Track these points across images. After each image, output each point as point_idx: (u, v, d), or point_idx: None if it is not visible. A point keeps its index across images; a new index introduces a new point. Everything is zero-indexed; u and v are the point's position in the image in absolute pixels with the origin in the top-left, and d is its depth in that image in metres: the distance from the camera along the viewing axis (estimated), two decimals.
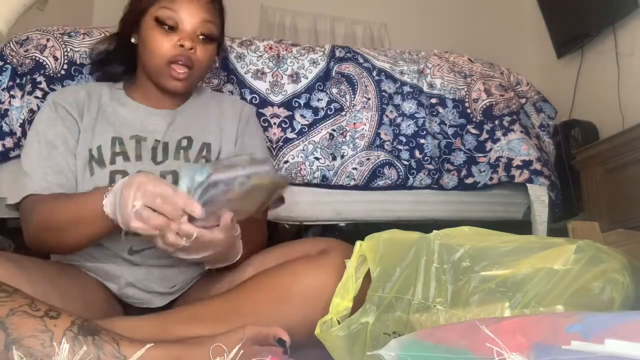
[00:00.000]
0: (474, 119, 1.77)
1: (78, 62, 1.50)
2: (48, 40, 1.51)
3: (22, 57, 1.48)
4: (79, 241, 1.07)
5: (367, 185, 1.67)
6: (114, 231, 1.01)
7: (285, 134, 1.63)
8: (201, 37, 1.21)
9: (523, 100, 1.88)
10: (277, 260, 1.09)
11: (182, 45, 1.18)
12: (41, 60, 1.48)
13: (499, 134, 1.76)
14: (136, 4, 1.25)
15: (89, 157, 1.17)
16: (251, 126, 1.37)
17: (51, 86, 1.47)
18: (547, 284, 0.80)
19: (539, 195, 1.71)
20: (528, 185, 1.72)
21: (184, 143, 1.24)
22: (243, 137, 1.32)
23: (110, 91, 1.29)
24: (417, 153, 1.71)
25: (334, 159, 1.65)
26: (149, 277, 1.14)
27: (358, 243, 1.00)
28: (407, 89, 1.76)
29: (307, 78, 1.69)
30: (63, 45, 1.51)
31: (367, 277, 0.96)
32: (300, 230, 1.78)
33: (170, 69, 1.20)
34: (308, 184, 1.64)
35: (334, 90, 1.69)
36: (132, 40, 1.25)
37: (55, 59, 1.49)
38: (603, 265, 0.81)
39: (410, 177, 1.70)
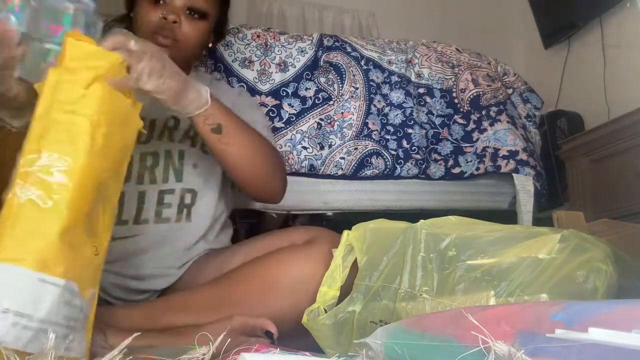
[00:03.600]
0: (461, 109, 1.77)
1: None
2: None
3: None
4: None
5: (354, 174, 1.68)
6: None
7: (272, 123, 1.63)
8: (188, 11, 1.19)
9: (510, 91, 1.89)
10: (264, 249, 1.09)
11: (165, 18, 1.16)
12: None
13: (485, 124, 1.76)
14: None
15: None
16: (245, 100, 1.35)
17: None
18: (532, 273, 0.81)
19: (525, 185, 1.72)
20: (514, 175, 1.73)
21: (171, 123, 1.23)
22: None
23: None
24: (404, 143, 1.71)
25: (322, 148, 1.65)
26: (114, 285, 1.12)
27: (345, 232, 1.00)
28: (395, 78, 1.76)
29: (295, 67, 1.68)
30: None
31: (354, 266, 0.96)
32: (287, 220, 1.78)
33: (154, 39, 1.17)
34: (296, 174, 1.64)
35: (322, 80, 1.69)
36: (131, 15, 1.25)
37: None
38: (587, 254, 0.82)
39: (397, 166, 1.70)
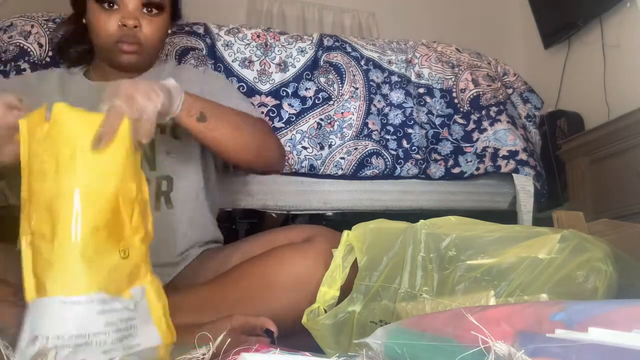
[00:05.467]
0: (461, 109, 1.77)
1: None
2: (32, 26, 1.49)
3: (5, 44, 1.46)
4: None
5: (354, 174, 1.68)
6: None
7: (272, 123, 1.63)
8: (145, 10, 1.17)
9: (510, 91, 1.89)
10: (263, 248, 1.09)
11: (124, 25, 1.14)
12: (25, 47, 1.46)
13: (485, 124, 1.76)
14: None
15: None
16: (213, 79, 1.32)
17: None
18: (532, 273, 0.81)
19: (525, 185, 1.73)
20: (514, 175, 1.73)
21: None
22: (217, 94, 1.26)
23: (62, 72, 1.27)
24: (404, 143, 1.71)
25: (322, 148, 1.65)
26: None
27: (345, 232, 1.00)
28: (395, 78, 1.76)
29: (295, 67, 1.68)
30: (48, 32, 1.49)
31: (354, 266, 0.96)
32: (287, 220, 1.78)
33: (119, 47, 1.17)
34: (296, 173, 1.64)
35: (322, 80, 1.69)
36: (83, 21, 1.21)
37: (40, 45, 1.47)
38: (587, 254, 0.82)
39: (397, 166, 1.70)
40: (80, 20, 1.23)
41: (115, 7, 1.15)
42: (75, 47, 1.30)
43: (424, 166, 1.72)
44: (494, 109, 1.78)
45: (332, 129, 1.66)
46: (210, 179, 1.29)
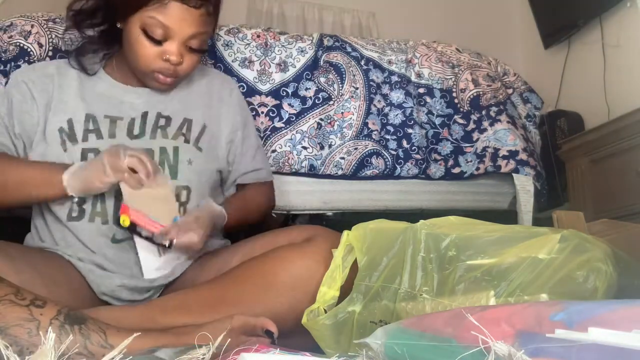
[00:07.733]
0: (461, 109, 1.77)
1: (63, 49, 1.48)
2: (32, 26, 1.49)
3: (5, 44, 1.46)
4: (20, 200, 1.13)
5: (354, 174, 1.68)
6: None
7: (272, 123, 1.63)
8: (189, 49, 1.17)
9: (510, 91, 1.89)
10: (263, 248, 1.09)
11: (168, 60, 1.15)
12: (25, 47, 1.46)
13: (485, 124, 1.76)
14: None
15: (60, 133, 1.15)
16: (245, 110, 1.40)
17: None
18: (532, 273, 0.81)
19: (525, 185, 1.72)
20: (514, 175, 1.73)
21: (162, 122, 1.21)
22: (244, 129, 1.35)
23: (79, 73, 1.25)
24: (404, 143, 1.71)
25: (322, 148, 1.65)
26: (121, 287, 1.12)
27: (345, 232, 1.00)
28: (395, 78, 1.75)
29: (295, 67, 1.68)
30: (48, 32, 1.49)
31: (354, 266, 0.96)
32: (287, 220, 1.78)
33: (155, 76, 1.18)
34: (296, 173, 1.64)
35: (322, 80, 1.69)
36: (118, 25, 1.19)
37: (40, 45, 1.47)
38: (587, 254, 0.82)
39: (397, 166, 1.70)
40: (113, 24, 1.20)
41: (162, 42, 1.14)
42: (95, 28, 1.26)
43: (424, 166, 1.72)
44: (494, 109, 1.78)
45: (332, 129, 1.66)
46: (218, 191, 1.31)
